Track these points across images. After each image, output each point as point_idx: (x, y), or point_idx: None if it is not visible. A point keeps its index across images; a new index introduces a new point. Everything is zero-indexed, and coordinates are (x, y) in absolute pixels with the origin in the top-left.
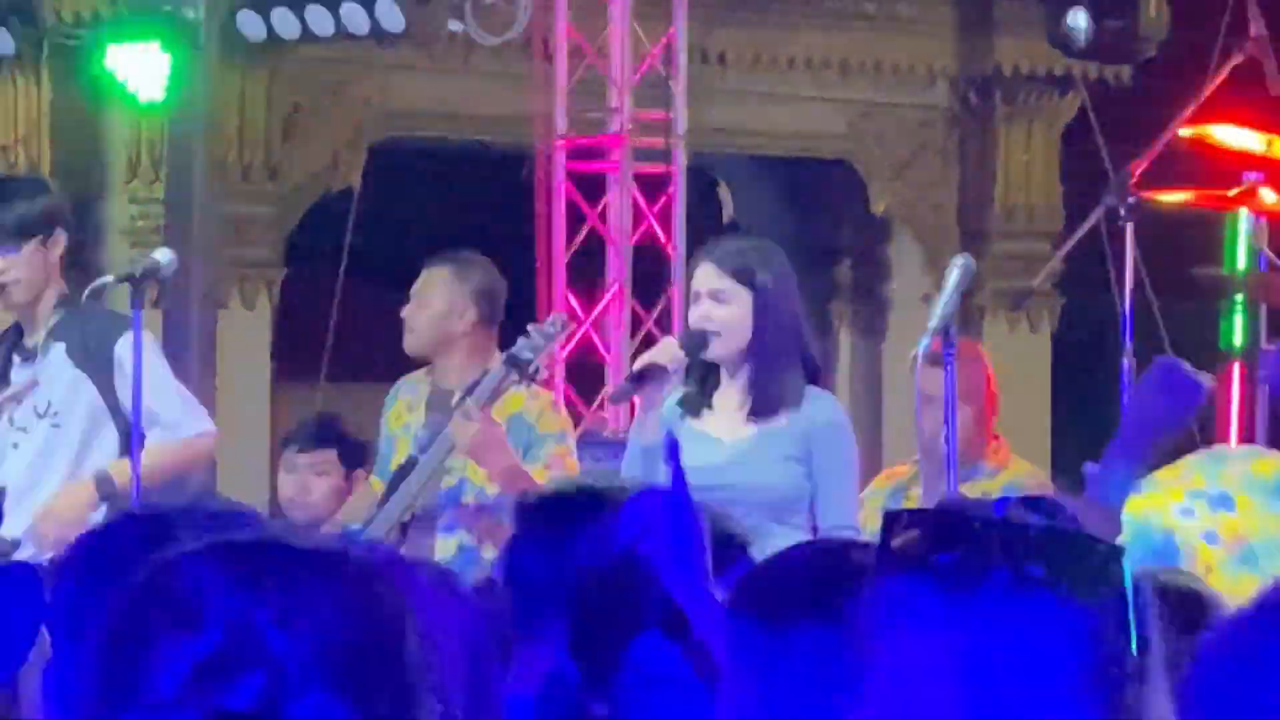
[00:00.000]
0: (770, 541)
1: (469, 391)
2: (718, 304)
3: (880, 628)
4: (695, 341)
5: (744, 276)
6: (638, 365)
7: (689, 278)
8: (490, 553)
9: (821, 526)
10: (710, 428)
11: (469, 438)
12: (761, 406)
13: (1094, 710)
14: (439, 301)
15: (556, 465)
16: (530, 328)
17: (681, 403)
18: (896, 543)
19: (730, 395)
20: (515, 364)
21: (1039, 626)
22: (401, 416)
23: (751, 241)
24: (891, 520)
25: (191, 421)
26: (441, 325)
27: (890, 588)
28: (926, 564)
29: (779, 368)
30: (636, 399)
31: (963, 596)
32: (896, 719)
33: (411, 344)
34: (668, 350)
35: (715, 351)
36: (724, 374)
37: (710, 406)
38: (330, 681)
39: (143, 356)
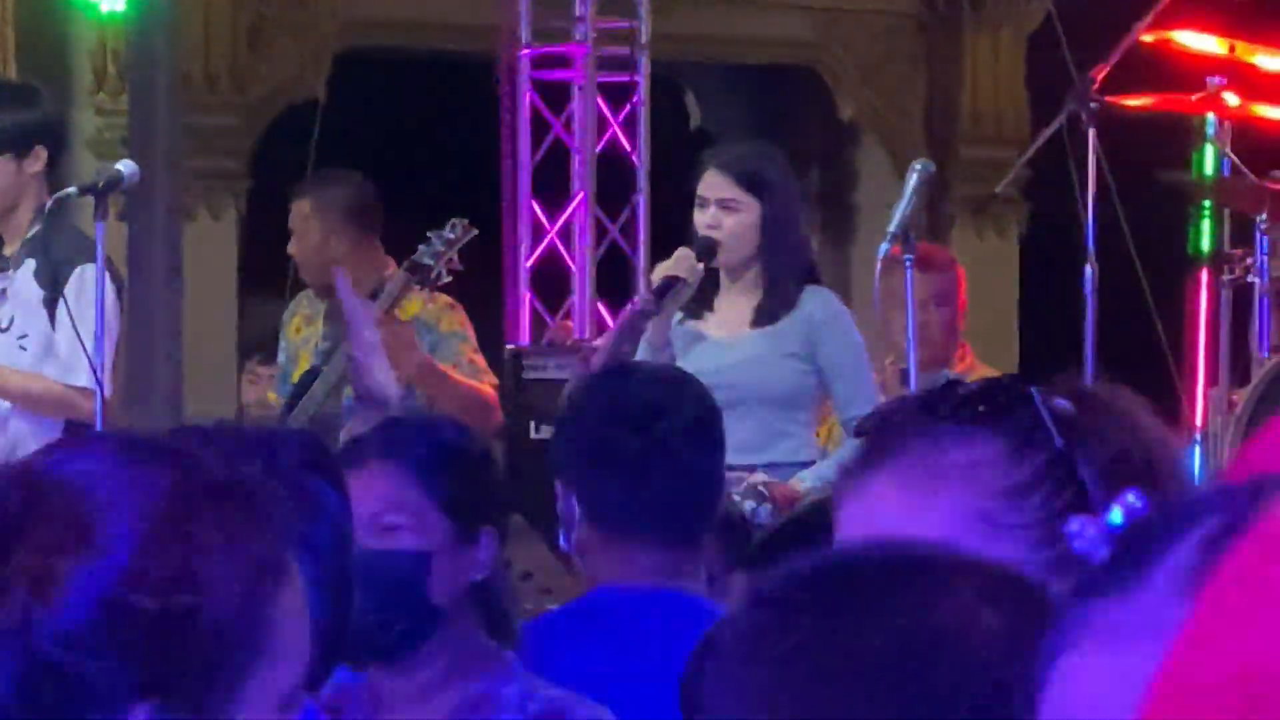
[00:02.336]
0: (779, 442)
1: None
2: (727, 212)
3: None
4: (706, 250)
5: (753, 185)
6: (656, 279)
7: (695, 183)
8: None
9: (842, 419)
10: (711, 330)
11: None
12: (768, 315)
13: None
14: (310, 234)
15: (466, 363)
16: (430, 234)
17: (681, 307)
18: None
19: (731, 299)
20: (415, 270)
21: (915, 464)
22: (301, 330)
23: (757, 148)
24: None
25: (88, 375)
26: (321, 255)
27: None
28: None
29: (786, 275)
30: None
31: (871, 451)
32: None
33: (309, 274)
34: (684, 262)
35: (722, 259)
36: (724, 278)
37: (711, 309)
38: None
39: (92, 295)
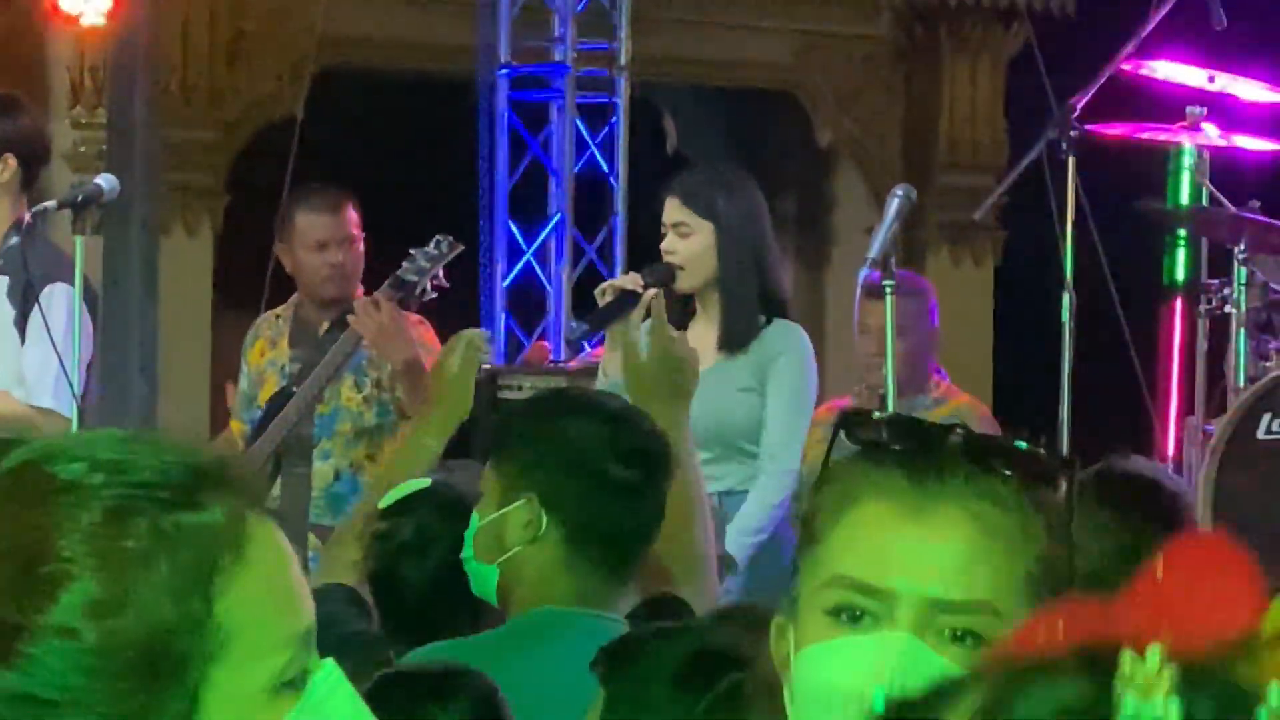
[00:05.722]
0: (733, 470)
1: (337, 322)
2: (680, 236)
3: (842, 501)
4: (661, 275)
5: (705, 208)
6: (603, 291)
7: (632, 209)
8: (367, 477)
9: (762, 459)
10: None
11: (375, 326)
12: (729, 339)
13: (1019, 607)
14: (357, 243)
15: None
16: (414, 251)
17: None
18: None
19: (701, 328)
20: (400, 286)
21: (998, 511)
22: (265, 353)
23: (716, 173)
24: (849, 417)
25: (53, 397)
26: (359, 265)
27: (854, 469)
28: (888, 450)
29: (743, 301)
30: (605, 334)
31: (925, 472)
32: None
33: (348, 287)
34: (629, 279)
35: (683, 284)
36: (698, 306)
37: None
38: None
39: (62, 315)
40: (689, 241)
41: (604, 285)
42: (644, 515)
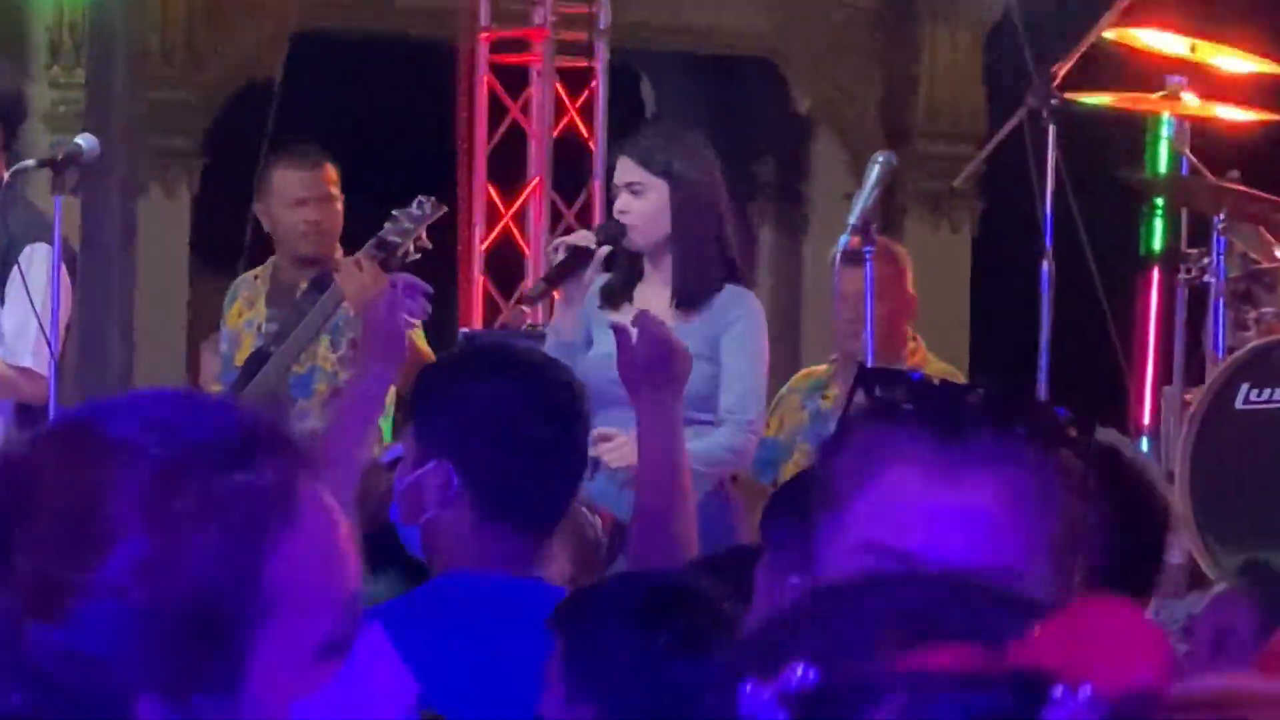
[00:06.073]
0: (687, 439)
1: (315, 282)
2: (634, 196)
3: (866, 464)
4: (612, 232)
5: (660, 168)
6: (555, 248)
7: (611, 173)
8: None
9: (723, 414)
10: (627, 320)
11: (358, 286)
12: (686, 298)
13: (1044, 568)
14: (336, 201)
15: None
16: (396, 212)
17: (601, 293)
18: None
19: (652, 288)
20: (383, 247)
21: (1023, 472)
22: (242, 313)
23: (671, 133)
24: (866, 375)
25: (33, 357)
26: (337, 224)
27: (876, 430)
28: (908, 414)
29: (698, 261)
30: (558, 294)
31: (950, 434)
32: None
33: (326, 245)
34: (581, 236)
35: (634, 242)
36: (647, 266)
37: (631, 300)
38: None
39: (42, 275)
40: (643, 200)
41: (556, 242)
42: (562, 473)
